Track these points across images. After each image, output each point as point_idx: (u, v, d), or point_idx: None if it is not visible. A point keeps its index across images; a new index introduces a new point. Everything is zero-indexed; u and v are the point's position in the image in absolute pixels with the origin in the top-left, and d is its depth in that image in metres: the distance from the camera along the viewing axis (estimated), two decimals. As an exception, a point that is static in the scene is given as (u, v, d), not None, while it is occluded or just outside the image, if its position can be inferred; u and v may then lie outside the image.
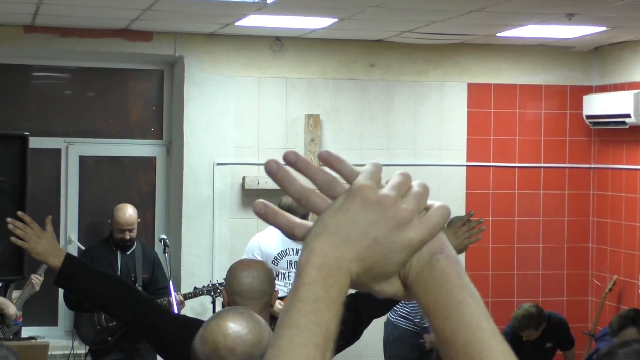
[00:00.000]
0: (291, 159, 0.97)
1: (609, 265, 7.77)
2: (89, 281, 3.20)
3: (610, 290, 7.37)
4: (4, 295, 5.95)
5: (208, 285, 6.18)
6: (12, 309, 5.82)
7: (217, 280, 6.32)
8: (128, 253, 6.26)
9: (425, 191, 0.96)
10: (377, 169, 0.96)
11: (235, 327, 2.22)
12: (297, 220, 1.01)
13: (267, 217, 1.01)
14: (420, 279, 0.97)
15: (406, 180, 0.96)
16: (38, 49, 6.83)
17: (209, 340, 2.21)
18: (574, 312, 7.66)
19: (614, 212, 7.74)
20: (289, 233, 1.00)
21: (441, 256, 0.96)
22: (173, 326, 3.22)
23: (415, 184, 0.96)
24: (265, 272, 3.28)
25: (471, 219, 3.65)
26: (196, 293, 6.11)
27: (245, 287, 3.17)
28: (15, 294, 6.07)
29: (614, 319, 6.00)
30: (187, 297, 6.12)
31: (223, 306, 3.34)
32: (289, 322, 0.90)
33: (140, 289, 5.62)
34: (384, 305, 3.63)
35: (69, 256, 3.21)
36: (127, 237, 6.13)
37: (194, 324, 3.35)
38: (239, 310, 2.34)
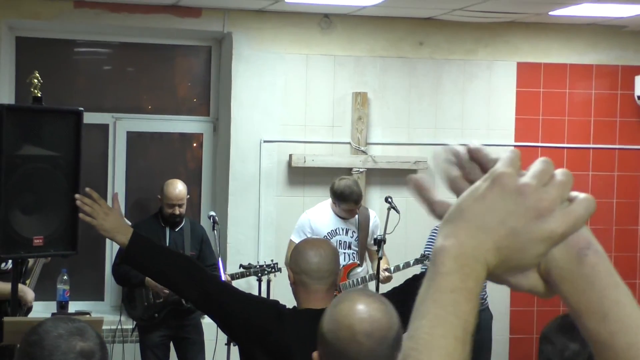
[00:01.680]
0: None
1: None
2: (155, 259, 3.22)
3: None
4: (20, 278, 5.60)
5: (256, 266, 6.19)
6: (29, 295, 5.62)
7: (264, 262, 6.33)
8: (176, 230, 6.25)
9: (569, 180, 0.91)
10: (517, 155, 0.92)
11: (369, 310, 2.19)
12: (438, 197, 1.00)
13: (417, 188, 1.01)
14: (567, 275, 0.93)
15: (548, 168, 0.91)
16: (87, 24, 6.83)
17: (345, 325, 2.17)
18: None
19: (665, 194, 7.58)
20: (429, 209, 0.99)
21: (589, 251, 0.92)
22: (240, 304, 3.23)
23: (558, 173, 0.92)
24: (332, 252, 3.28)
25: None
26: (243, 274, 6.12)
27: (313, 267, 3.18)
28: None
29: None
30: (234, 277, 6.11)
31: (291, 286, 3.33)
32: (426, 312, 0.88)
33: None
34: None
35: (136, 234, 3.23)
36: (177, 212, 6.10)
37: (261, 303, 3.46)
38: (366, 292, 2.30)
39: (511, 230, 0.89)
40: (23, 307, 5.47)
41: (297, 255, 3.25)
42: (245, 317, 3.21)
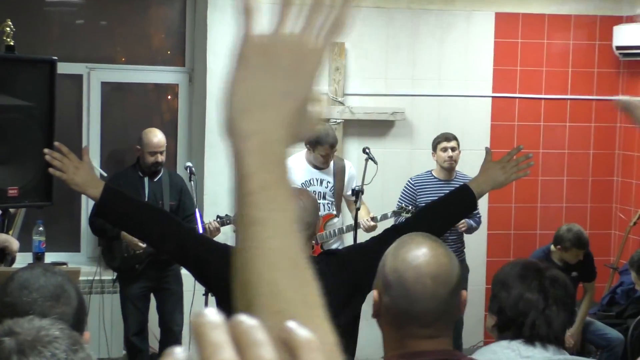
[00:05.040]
0: None
1: (634, 199, 7.76)
2: (128, 212, 3.19)
3: (634, 224, 7.35)
4: (3, 229, 5.73)
5: (232, 217, 6.09)
6: (14, 245, 5.59)
7: None
8: (155, 180, 6.20)
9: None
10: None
11: (436, 254, 2.16)
12: None
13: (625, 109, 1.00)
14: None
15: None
16: (60, -27, 6.71)
17: (412, 266, 2.13)
18: (597, 245, 7.57)
19: (642, 145, 7.75)
20: None
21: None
22: (215, 255, 3.18)
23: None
24: (312, 203, 3.20)
25: (519, 154, 3.60)
26: (223, 222, 6.05)
27: None
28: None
29: (635, 253, 6.02)
30: (223, 223, 6.02)
31: None
32: (247, 221, 0.85)
33: None
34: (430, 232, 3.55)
35: (107, 187, 3.19)
36: (159, 159, 6.09)
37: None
38: (431, 237, 2.25)
39: (284, 94, 0.89)
40: (7, 257, 5.48)
41: None
42: (221, 267, 3.05)
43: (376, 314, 2.18)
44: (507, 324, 2.61)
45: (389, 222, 6.03)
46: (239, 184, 0.87)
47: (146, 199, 6.02)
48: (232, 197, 0.89)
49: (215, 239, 6.07)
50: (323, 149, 6.09)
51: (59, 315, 2.04)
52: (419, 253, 2.15)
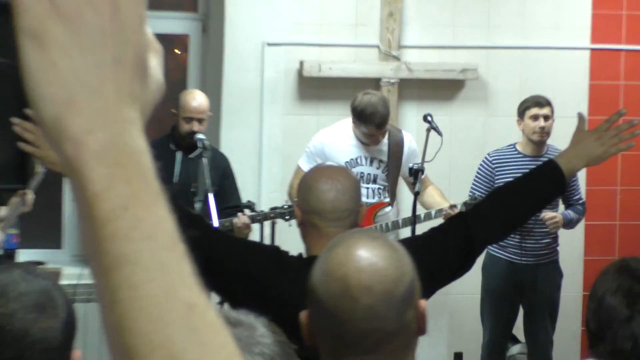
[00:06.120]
0: None
1: None
2: None
3: None
4: None
5: (269, 211, 5.78)
6: None
7: (282, 205, 5.84)
8: (191, 156, 5.76)
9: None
10: None
11: (371, 257, 2.01)
12: None
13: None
14: None
15: None
16: None
17: (337, 277, 2.01)
18: None
19: None
20: None
21: None
22: (233, 253, 3.21)
23: None
24: (352, 184, 3.14)
25: (621, 120, 3.42)
26: (254, 218, 5.67)
27: (327, 206, 3.03)
28: (2, 210, 5.57)
29: None
30: (254, 219, 5.71)
31: (298, 227, 3.30)
32: (109, 262, 0.72)
33: (199, 204, 5.55)
34: (502, 227, 3.46)
35: None
36: (196, 128, 5.78)
37: (258, 250, 3.40)
38: (371, 234, 2.18)
39: (113, 65, 0.77)
40: None
41: (306, 189, 3.11)
42: (239, 269, 3.14)
43: (310, 342, 2.10)
44: (592, 338, 2.59)
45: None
46: (85, 210, 0.73)
47: (176, 179, 5.85)
48: (78, 231, 0.77)
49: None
50: (367, 128, 5.69)
51: (43, 331, 1.99)
52: (347, 259, 2.05)
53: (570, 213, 6.02)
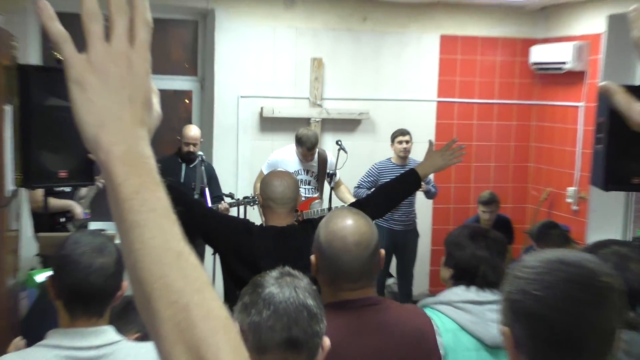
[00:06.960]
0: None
1: (544, 180, 8.07)
2: None
3: (544, 199, 7.83)
4: (72, 196, 6.00)
5: (242, 199, 6.28)
6: (78, 209, 5.84)
7: (250, 195, 6.35)
8: (191, 166, 6.44)
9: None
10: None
11: (358, 225, 2.22)
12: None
13: (606, 94, 1.00)
14: None
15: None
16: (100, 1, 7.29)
17: (339, 236, 2.20)
18: (516, 216, 8.12)
19: (550, 139, 8.02)
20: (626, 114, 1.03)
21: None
22: (218, 223, 3.31)
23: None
24: (294, 182, 3.35)
25: (455, 144, 3.74)
26: (234, 203, 6.16)
27: (278, 195, 3.24)
28: (84, 191, 6.03)
29: (534, 226, 6.40)
30: (231, 205, 6.14)
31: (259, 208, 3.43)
32: (127, 226, 0.83)
33: (196, 196, 5.99)
34: (384, 207, 3.58)
35: None
36: (192, 149, 6.35)
37: (235, 221, 3.46)
38: (352, 210, 2.33)
39: (128, 98, 0.87)
40: (75, 222, 5.86)
41: (265, 184, 3.30)
42: (222, 232, 3.27)
43: (315, 273, 2.27)
44: (462, 275, 2.67)
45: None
46: (113, 194, 0.84)
47: (182, 181, 6.35)
48: (110, 207, 0.84)
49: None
50: (301, 149, 6.24)
51: (102, 263, 2.15)
52: (344, 225, 2.21)
53: (431, 188, 6.74)
